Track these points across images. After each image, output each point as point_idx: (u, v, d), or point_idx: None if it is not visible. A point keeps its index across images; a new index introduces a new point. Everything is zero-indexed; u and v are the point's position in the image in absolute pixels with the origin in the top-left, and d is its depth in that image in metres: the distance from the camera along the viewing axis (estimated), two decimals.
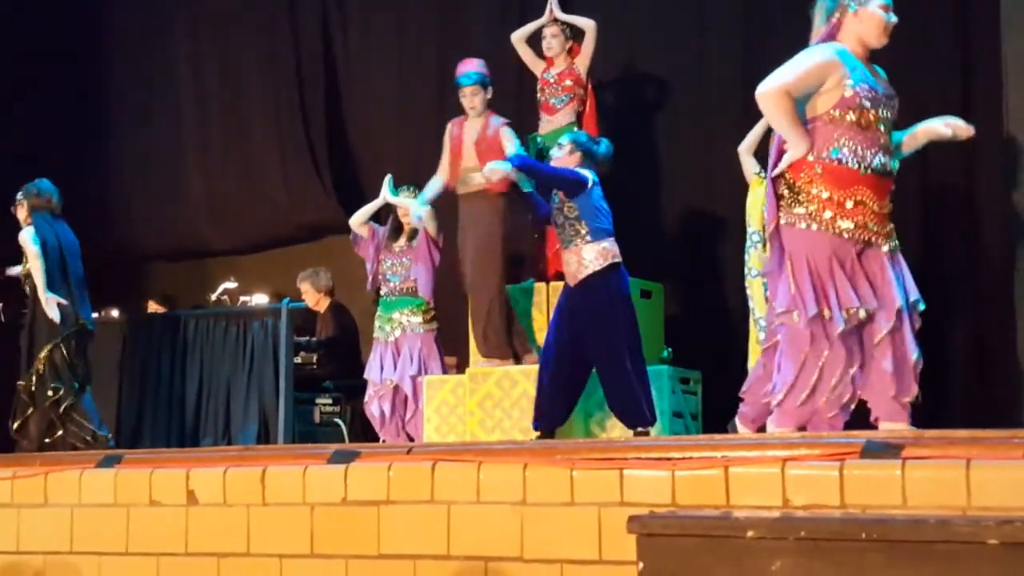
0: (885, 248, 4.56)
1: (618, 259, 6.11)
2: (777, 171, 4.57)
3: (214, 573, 4.43)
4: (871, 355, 4.51)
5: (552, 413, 6.14)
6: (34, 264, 7.01)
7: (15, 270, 7.37)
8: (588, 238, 6.05)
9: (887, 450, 3.55)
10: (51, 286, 6.97)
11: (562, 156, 6.24)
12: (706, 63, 7.95)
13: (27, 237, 7.08)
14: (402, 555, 4.13)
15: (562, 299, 6.22)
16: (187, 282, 9.58)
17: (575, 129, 7.24)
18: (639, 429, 6.02)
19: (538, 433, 6.12)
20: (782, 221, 4.55)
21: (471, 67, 6.95)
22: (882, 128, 4.53)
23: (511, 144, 6.72)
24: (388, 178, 7.20)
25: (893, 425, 4.47)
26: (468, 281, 6.84)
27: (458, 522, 4.06)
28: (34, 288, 7.03)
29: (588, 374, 6.17)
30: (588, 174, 6.16)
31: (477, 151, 6.77)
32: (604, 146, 6.44)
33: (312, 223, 9.27)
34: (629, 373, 5.97)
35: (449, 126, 7.02)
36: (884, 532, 2.94)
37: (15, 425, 7.04)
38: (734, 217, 7.43)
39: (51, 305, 6.99)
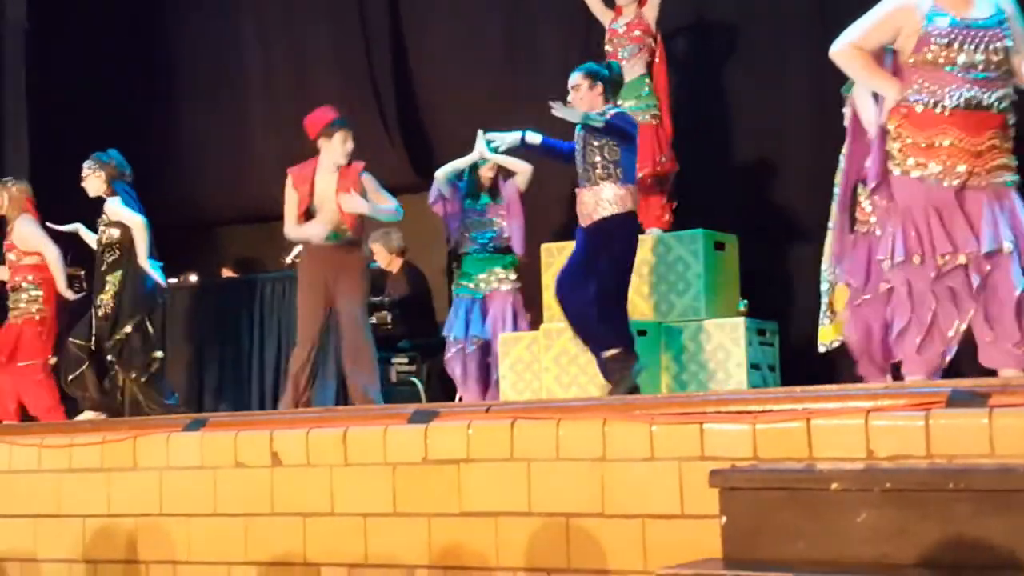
0: (988, 186, 4.44)
1: (635, 207, 5.97)
2: (881, 121, 4.56)
3: (300, 533, 4.50)
4: (977, 301, 4.43)
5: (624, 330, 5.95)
6: (140, 234, 7.02)
7: (85, 234, 7.43)
8: (619, 182, 5.87)
9: (973, 399, 3.51)
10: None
11: (583, 94, 6.01)
12: (778, 5, 7.79)
13: (120, 206, 7.06)
14: (483, 513, 4.16)
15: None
16: (262, 245, 9.66)
17: (647, 82, 7.17)
18: (608, 353, 5.80)
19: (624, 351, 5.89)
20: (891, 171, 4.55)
21: None
22: (964, 62, 4.42)
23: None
24: (481, 134, 6.98)
25: (1005, 371, 4.40)
26: None
27: (538, 479, 4.08)
28: (120, 257, 7.05)
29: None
30: (633, 118, 6.09)
31: None
32: (615, 67, 6.35)
33: (382, 182, 9.28)
34: (590, 303, 5.78)
35: None
36: (971, 482, 2.92)
37: (70, 378, 7.11)
38: (809, 166, 7.33)
39: (152, 275, 7.07)
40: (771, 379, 6.69)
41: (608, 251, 5.85)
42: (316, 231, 6.45)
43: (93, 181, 7.17)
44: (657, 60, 7.27)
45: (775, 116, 7.65)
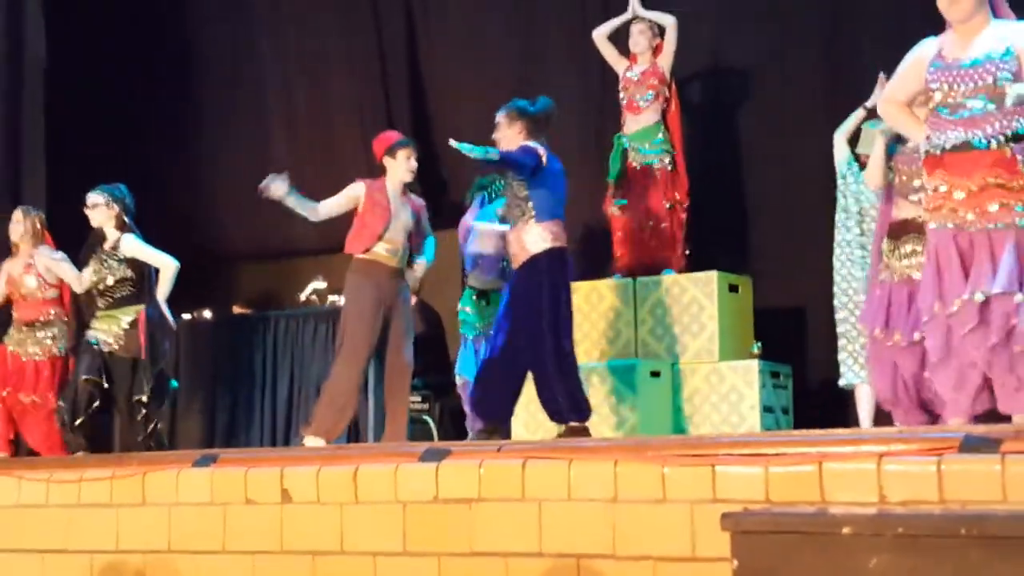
0: (994, 228, 4.39)
1: (561, 243, 5.78)
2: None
3: (309, 571, 4.48)
4: (992, 345, 4.41)
5: (496, 405, 5.83)
6: (170, 275, 6.88)
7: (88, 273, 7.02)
8: (537, 219, 5.74)
9: (986, 444, 3.49)
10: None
11: (503, 132, 5.95)
12: (788, 52, 7.83)
13: (142, 244, 6.93)
14: (494, 552, 4.14)
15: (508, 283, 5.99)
16: (276, 282, 9.68)
17: (661, 127, 7.19)
18: (570, 424, 5.70)
19: (489, 428, 5.81)
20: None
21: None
22: (953, 103, 4.40)
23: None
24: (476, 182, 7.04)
25: (1018, 417, 4.38)
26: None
27: (549, 520, 4.06)
28: (133, 294, 6.86)
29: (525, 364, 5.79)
30: (540, 150, 5.83)
31: None
32: (540, 103, 6.06)
33: None
34: (548, 363, 5.65)
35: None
36: (984, 528, 2.89)
37: (78, 421, 6.72)
38: (822, 208, 7.33)
39: (169, 316, 6.94)
40: (784, 422, 6.68)
41: (537, 291, 5.70)
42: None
43: (104, 213, 6.98)
44: (672, 108, 7.31)
45: (787, 161, 7.66)
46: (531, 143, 5.87)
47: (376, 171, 6.62)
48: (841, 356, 6.06)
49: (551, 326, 5.67)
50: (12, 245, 7.33)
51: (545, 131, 6.02)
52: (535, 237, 5.75)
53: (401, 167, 6.43)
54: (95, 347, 6.83)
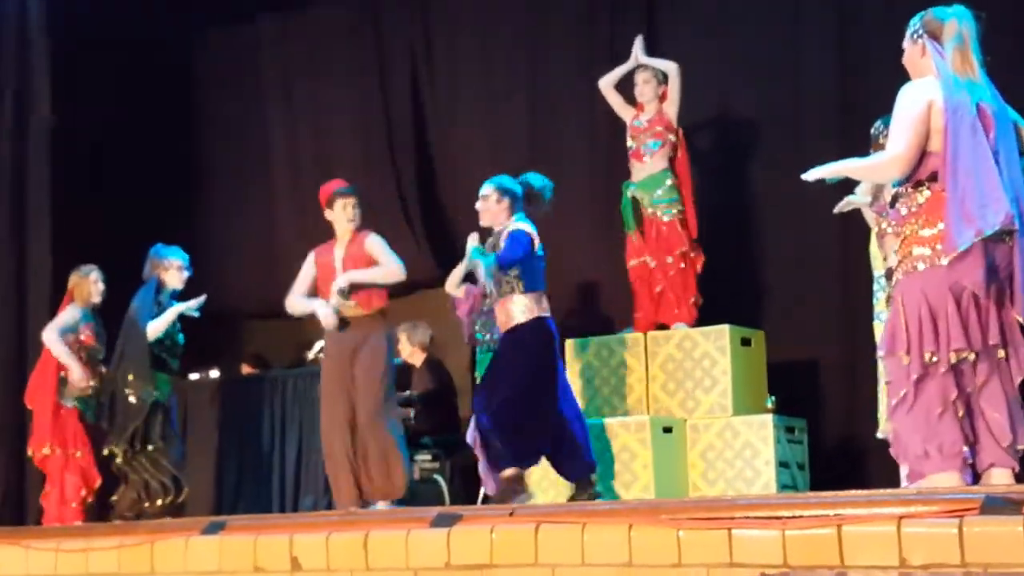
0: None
1: (547, 314, 6.02)
2: None
3: None
4: (978, 399, 4.34)
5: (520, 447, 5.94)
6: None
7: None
8: (522, 292, 5.97)
9: (1007, 505, 3.42)
10: None
11: (490, 206, 6.13)
12: (800, 99, 7.80)
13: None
14: None
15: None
16: (283, 341, 9.64)
17: (669, 175, 7.16)
18: (506, 474, 5.83)
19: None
20: None
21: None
22: None
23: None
24: (471, 239, 7.00)
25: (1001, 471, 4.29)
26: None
27: None
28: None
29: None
30: (531, 231, 6.04)
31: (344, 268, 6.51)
32: (539, 182, 6.30)
33: (406, 279, 9.28)
34: (521, 421, 5.81)
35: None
36: None
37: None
38: (834, 259, 7.29)
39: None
40: (800, 477, 6.59)
41: (520, 357, 5.93)
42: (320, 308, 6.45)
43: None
44: (679, 155, 7.28)
45: (798, 209, 7.61)
46: (520, 225, 6.05)
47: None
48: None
49: (529, 384, 5.86)
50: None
51: (535, 206, 6.23)
52: (521, 308, 5.97)
53: (339, 217, 6.49)
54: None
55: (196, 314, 7.21)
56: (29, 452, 7.32)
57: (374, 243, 6.51)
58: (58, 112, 8.71)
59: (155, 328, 7.04)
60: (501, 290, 6.02)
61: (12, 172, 8.58)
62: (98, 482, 7.21)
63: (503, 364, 6.01)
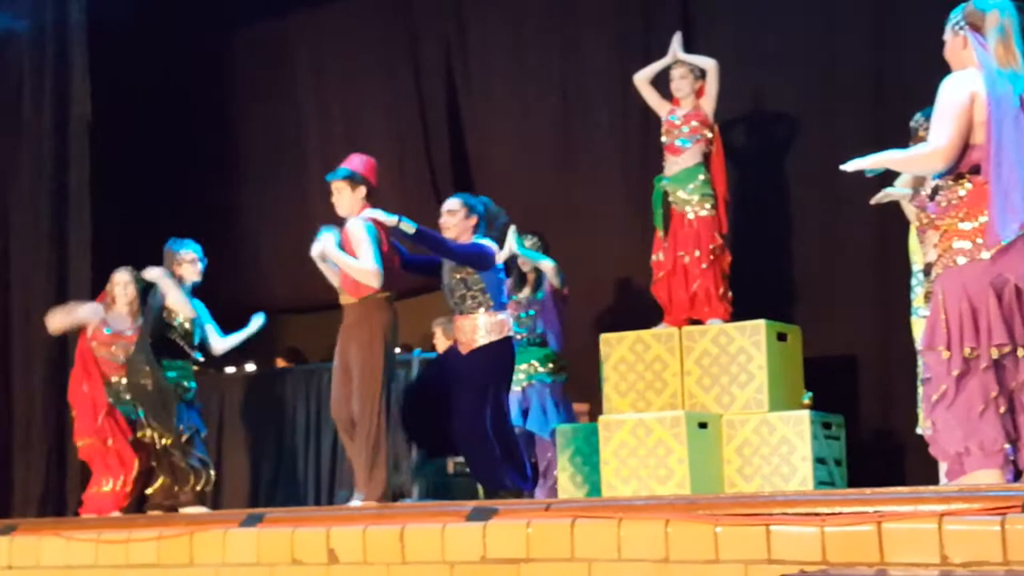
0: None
1: (508, 333, 6.11)
2: None
3: None
4: (1021, 395, 4.31)
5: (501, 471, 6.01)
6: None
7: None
8: (491, 309, 6.06)
9: None
10: None
11: (457, 221, 6.17)
12: (836, 96, 7.75)
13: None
14: None
15: (452, 364, 6.15)
16: (318, 335, 9.66)
17: (702, 171, 7.13)
18: (501, 492, 5.86)
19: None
20: None
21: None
22: None
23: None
24: (513, 229, 6.98)
25: None
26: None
27: None
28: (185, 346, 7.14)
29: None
30: (494, 246, 6.15)
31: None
32: (494, 207, 6.39)
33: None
34: (488, 440, 5.90)
35: None
36: None
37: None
38: (871, 254, 7.25)
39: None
40: (837, 473, 6.55)
41: (488, 379, 6.00)
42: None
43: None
44: (714, 151, 7.24)
45: (834, 204, 7.57)
46: (484, 242, 6.14)
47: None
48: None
49: (490, 407, 5.96)
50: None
51: (493, 230, 6.35)
52: (486, 328, 6.05)
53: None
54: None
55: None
56: (76, 443, 7.34)
57: (352, 231, 6.25)
58: (97, 109, 8.78)
59: (225, 344, 7.37)
60: (466, 305, 6.09)
61: (53, 170, 8.65)
62: (136, 471, 7.22)
63: (471, 383, 5.99)
